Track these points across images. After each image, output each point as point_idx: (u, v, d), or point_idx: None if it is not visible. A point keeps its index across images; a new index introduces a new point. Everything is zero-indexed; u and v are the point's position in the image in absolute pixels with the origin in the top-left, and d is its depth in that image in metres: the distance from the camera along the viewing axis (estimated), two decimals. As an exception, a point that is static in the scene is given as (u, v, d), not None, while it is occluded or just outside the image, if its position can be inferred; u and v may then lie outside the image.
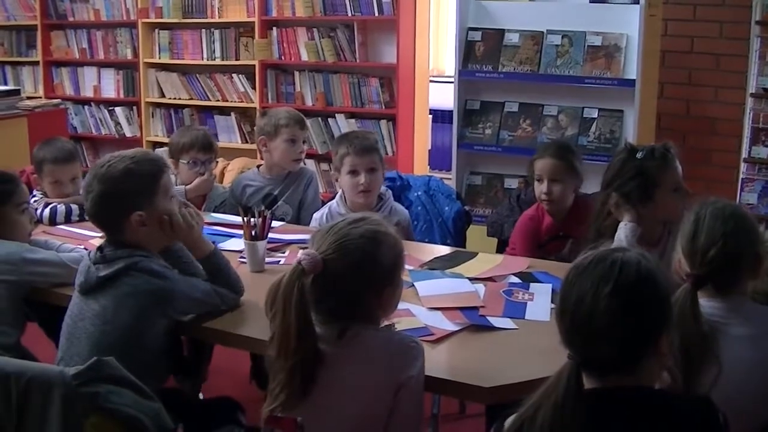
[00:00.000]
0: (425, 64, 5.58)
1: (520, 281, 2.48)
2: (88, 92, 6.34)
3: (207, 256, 2.21)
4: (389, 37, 5.29)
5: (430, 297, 2.31)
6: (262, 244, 2.59)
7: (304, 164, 3.54)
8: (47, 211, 3.08)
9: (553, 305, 2.22)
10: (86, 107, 6.38)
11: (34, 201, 3.08)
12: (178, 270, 2.22)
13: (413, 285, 2.38)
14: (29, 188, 2.81)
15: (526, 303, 2.29)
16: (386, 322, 1.84)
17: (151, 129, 6.17)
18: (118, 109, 6.25)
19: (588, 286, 1.42)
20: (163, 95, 6.08)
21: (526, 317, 2.20)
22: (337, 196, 3.08)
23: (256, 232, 2.57)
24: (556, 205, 3.03)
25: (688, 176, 2.66)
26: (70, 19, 6.26)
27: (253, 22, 5.55)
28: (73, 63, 6.37)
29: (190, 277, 2.18)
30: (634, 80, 4.15)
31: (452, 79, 4.64)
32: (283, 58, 5.57)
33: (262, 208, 2.64)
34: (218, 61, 5.81)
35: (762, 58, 4.21)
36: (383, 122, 5.36)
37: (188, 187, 3.36)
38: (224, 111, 5.92)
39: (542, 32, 4.40)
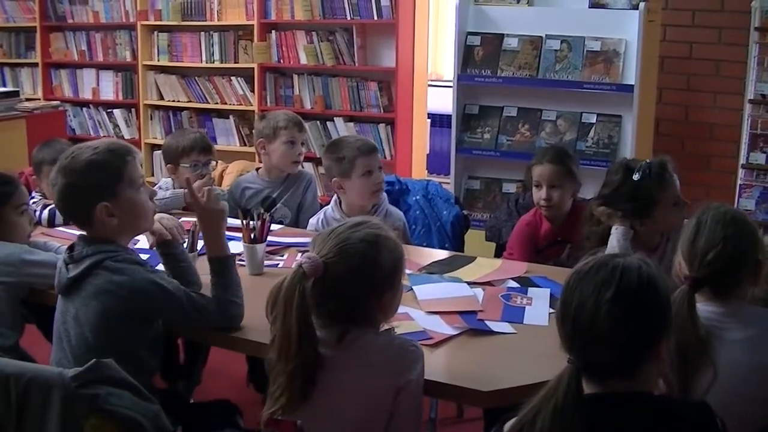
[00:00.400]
0: (424, 68, 5.57)
1: (519, 286, 2.48)
2: (86, 94, 6.33)
3: (220, 258, 2.14)
4: (388, 41, 5.28)
5: (429, 301, 2.31)
6: (261, 247, 2.59)
7: (303, 167, 3.54)
8: (46, 212, 3.08)
9: (551, 310, 2.23)
10: (85, 109, 6.37)
11: (33, 202, 3.07)
12: (172, 273, 2.20)
13: (412, 289, 2.38)
14: (28, 190, 2.80)
15: (524, 307, 2.29)
16: (386, 326, 1.84)
17: (150, 131, 6.16)
18: (116, 111, 6.24)
19: (589, 291, 1.42)
20: (161, 98, 6.07)
21: (524, 322, 2.20)
22: (333, 201, 3.07)
23: (255, 235, 2.57)
24: (555, 211, 3.02)
25: (686, 182, 2.67)
26: (69, 21, 6.26)
27: (252, 25, 5.55)
28: (72, 65, 6.37)
29: (172, 279, 2.10)
30: (632, 86, 4.16)
31: (451, 84, 4.64)
32: (282, 61, 5.56)
33: (261, 210, 2.63)
34: (217, 64, 5.81)
35: (760, 65, 4.21)
36: (382, 126, 5.36)
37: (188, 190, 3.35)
38: (223, 114, 5.91)
39: (541, 37, 4.40)
